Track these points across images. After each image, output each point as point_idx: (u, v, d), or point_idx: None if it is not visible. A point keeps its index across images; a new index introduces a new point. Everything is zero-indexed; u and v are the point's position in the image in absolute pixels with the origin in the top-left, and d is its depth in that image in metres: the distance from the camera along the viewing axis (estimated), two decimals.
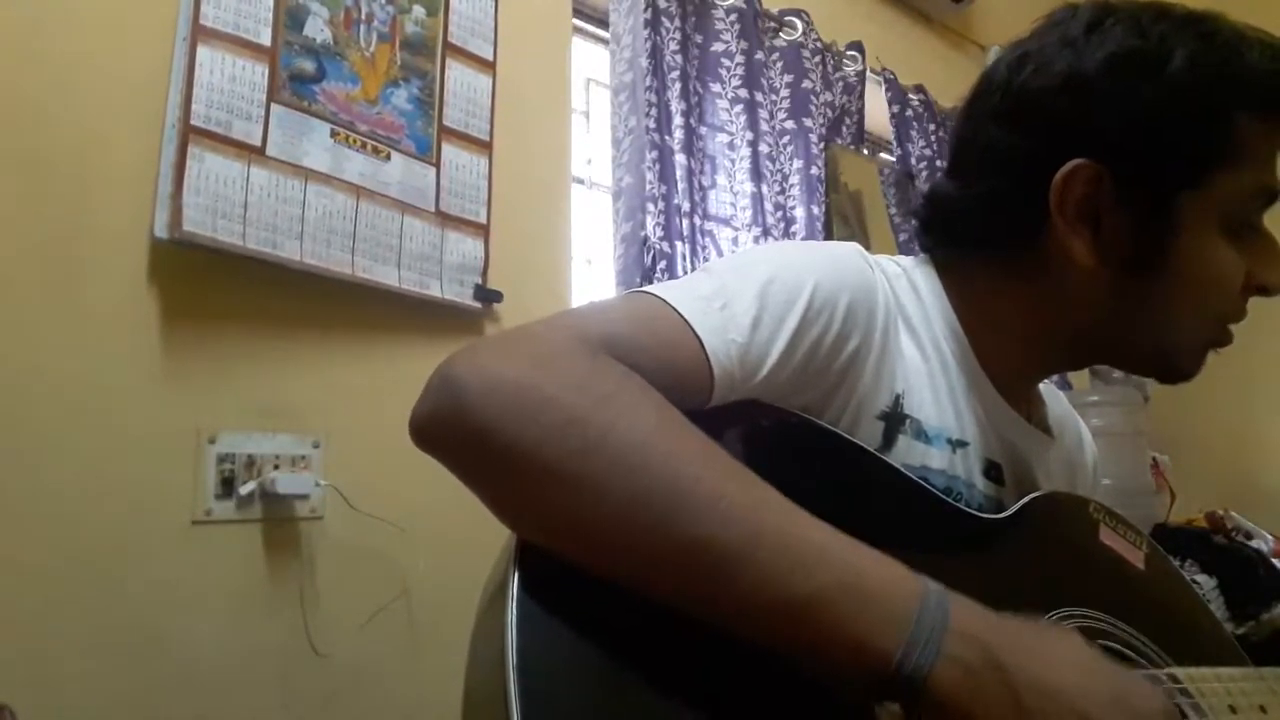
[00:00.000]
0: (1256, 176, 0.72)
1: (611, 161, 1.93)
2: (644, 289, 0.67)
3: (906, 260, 0.84)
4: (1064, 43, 0.72)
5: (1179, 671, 0.64)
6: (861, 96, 2.48)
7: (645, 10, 1.93)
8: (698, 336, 0.62)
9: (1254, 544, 2.21)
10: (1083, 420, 1.00)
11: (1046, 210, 0.72)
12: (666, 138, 1.92)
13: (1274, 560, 2.18)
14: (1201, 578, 2.05)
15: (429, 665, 1.48)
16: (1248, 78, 0.69)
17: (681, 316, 0.63)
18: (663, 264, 1.83)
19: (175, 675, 1.28)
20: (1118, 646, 0.69)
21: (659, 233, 1.85)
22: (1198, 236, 0.71)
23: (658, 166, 1.88)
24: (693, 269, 1.87)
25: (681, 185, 1.93)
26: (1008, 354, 0.79)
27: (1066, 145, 0.71)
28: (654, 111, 1.89)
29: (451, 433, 0.55)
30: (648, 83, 1.89)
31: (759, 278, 0.67)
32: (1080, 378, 2.71)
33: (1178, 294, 0.73)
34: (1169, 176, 0.70)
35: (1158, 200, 0.70)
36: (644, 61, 1.90)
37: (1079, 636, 0.56)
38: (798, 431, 0.67)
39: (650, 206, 1.85)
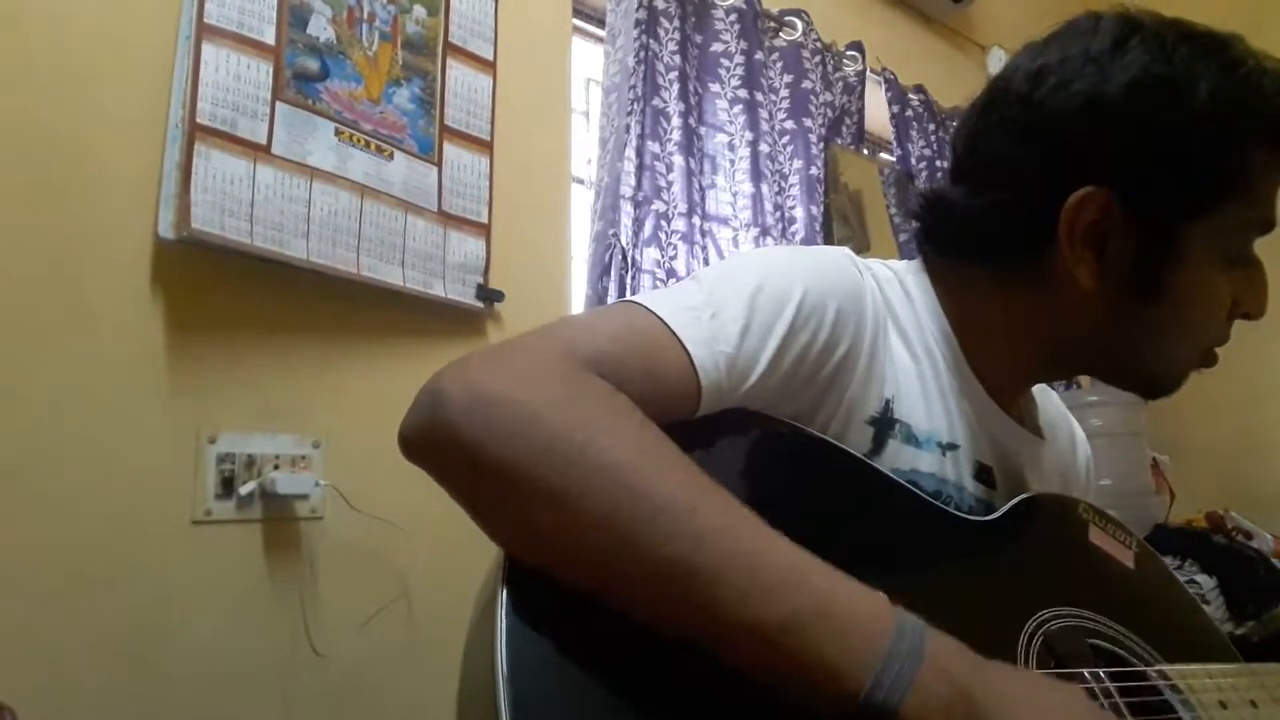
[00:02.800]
0: (1259, 208, 0.72)
1: (597, 160, 1.93)
2: (632, 299, 0.67)
3: (899, 264, 0.84)
4: (1086, 60, 0.71)
5: (1170, 668, 0.65)
6: (861, 96, 2.48)
7: (639, 10, 1.93)
8: (685, 348, 0.62)
9: (1254, 544, 2.21)
10: (1082, 420, 1.00)
11: (1051, 228, 0.72)
12: (658, 139, 1.92)
13: (1274, 560, 2.18)
14: (1201, 578, 2.06)
15: (429, 665, 1.48)
16: (1264, 112, 0.69)
17: (669, 327, 0.63)
18: (647, 265, 1.84)
19: (175, 675, 1.29)
20: (1108, 645, 0.69)
21: (645, 234, 1.85)
22: (1199, 265, 0.71)
23: (649, 167, 1.88)
24: (687, 270, 1.88)
25: (678, 186, 1.93)
26: (998, 360, 0.79)
27: (1080, 167, 0.70)
28: (636, 110, 1.89)
29: (437, 447, 0.56)
30: (632, 82, 1.89)
31: (748, 286, 0.67)
32: (1081, 377, 2.71)
33: (1173, 319, 0.73)
34: (1180, 206, 0.70)
35: (1165, 228, 0.71)
36: (631, 61, 1.90)
37: (1082, 692, 0.55)
38: (786, 440, 0.68)
39: (636, 208, 1.85)
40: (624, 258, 1.81)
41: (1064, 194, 0.71)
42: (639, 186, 1.87)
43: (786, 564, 0.53)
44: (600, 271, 1.80)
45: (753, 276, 0.68)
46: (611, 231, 1.82)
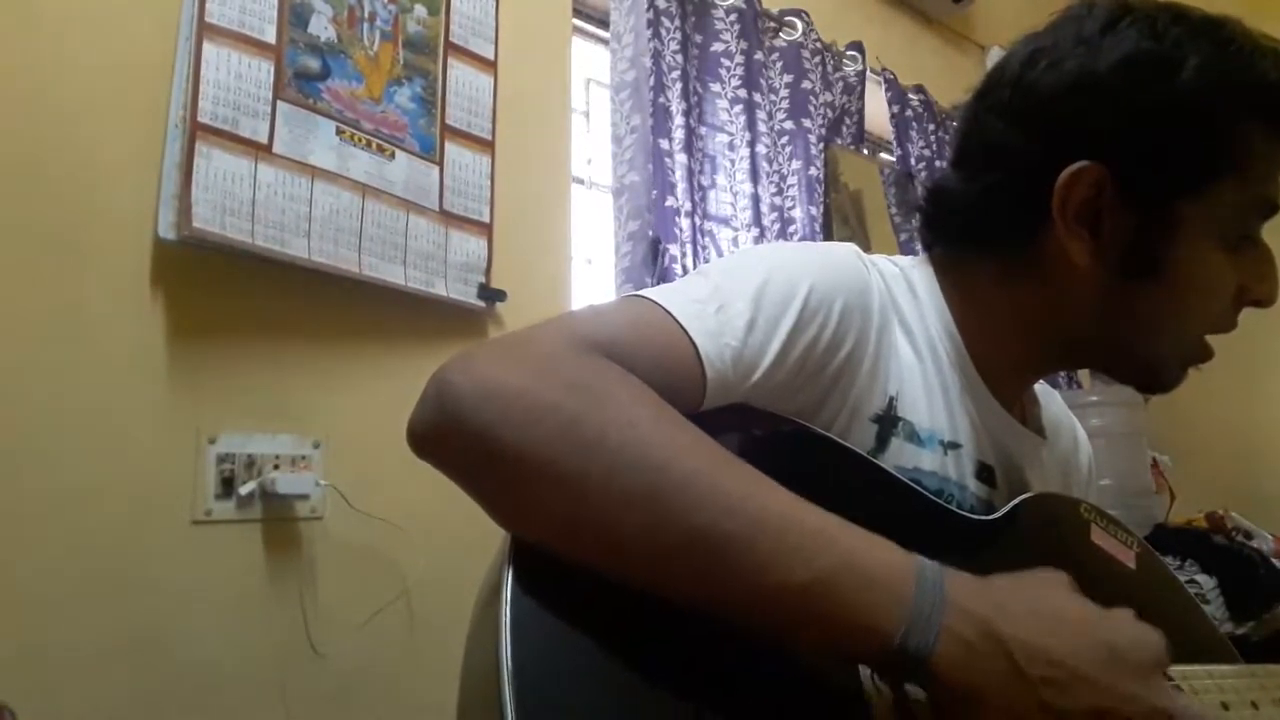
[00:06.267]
0: (1258, 188, 0.72)
1: (612, 159, 1.93)
2: (639, 293, 0.67)
3: (905, 260, 0.84)
4: (1078, 41, 0.72)
5: (1172, 669, 0.65)
6: (861, 96, 2.48)
7: (647, 10, 1.93)
8: (692, 340, 0.62)
9: (1254, 544, 2.21)
10: (1083, 420, 1.00)
11: (1047, 209, 0.72)
12: (666, 137, 1.93)
13: (1274, 560, 2.18)
14: (1201, 578, 2.05)
15: (429, 665, 1.48)
16: (1258, 88, 0.69)
17: (676, 320, 0.63)
18: (673, 263, 1.84)
19: (175, 675, 1.29)
20: None
21: (669, 232, 1.85)
22: (1196, 244, 0.71)
23: (666, 164, 1.89)
24: (695, 268, 1.88)
25: (681, 186, 1.93)
26: (1002, 354, 0.79)
27: (1073, 145, 0.71)
28: (655, 110, 1.90)
29: (449, 440, 0.56)
30: (651, 82, 1.90)
31: (754, 280, 0.67)
32: (1082, 377, 2.72)
33: (1171, 300, 0.73)
34: (1173, 182, 0.70)
35: (1159, 206, 0.71)
36: (647, 61, 1.91)
37: (1065, 586, 0.58)
38: (790, 437, 0.68)
39: (661, 205, 1.85)
40: (665, 255, 1.82)
41: (1057, 173, 0.71)
42: (654, 183, 1.87)
43: (812, 525, 0.54)
44: (648, 271, 1.81)
45: (760, 271, 0.68)
46: (652, 232, 1.82)
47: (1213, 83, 0.68)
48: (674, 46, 2.00)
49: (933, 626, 0.51)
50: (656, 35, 1.96)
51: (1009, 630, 0.52)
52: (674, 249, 1.86)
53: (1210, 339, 0.77)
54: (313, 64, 1.49)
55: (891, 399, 0.73)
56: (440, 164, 1.64)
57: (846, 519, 0.55)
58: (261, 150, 1.41)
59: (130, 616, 1.27)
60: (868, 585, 0.52)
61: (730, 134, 2.12)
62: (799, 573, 0.52)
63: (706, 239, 2.00)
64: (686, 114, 1.99)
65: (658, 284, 1.75)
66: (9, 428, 1.22)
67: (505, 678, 0.48)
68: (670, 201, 1.89)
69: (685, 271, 1.87)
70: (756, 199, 2.08)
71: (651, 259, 1.82)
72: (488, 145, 1.72)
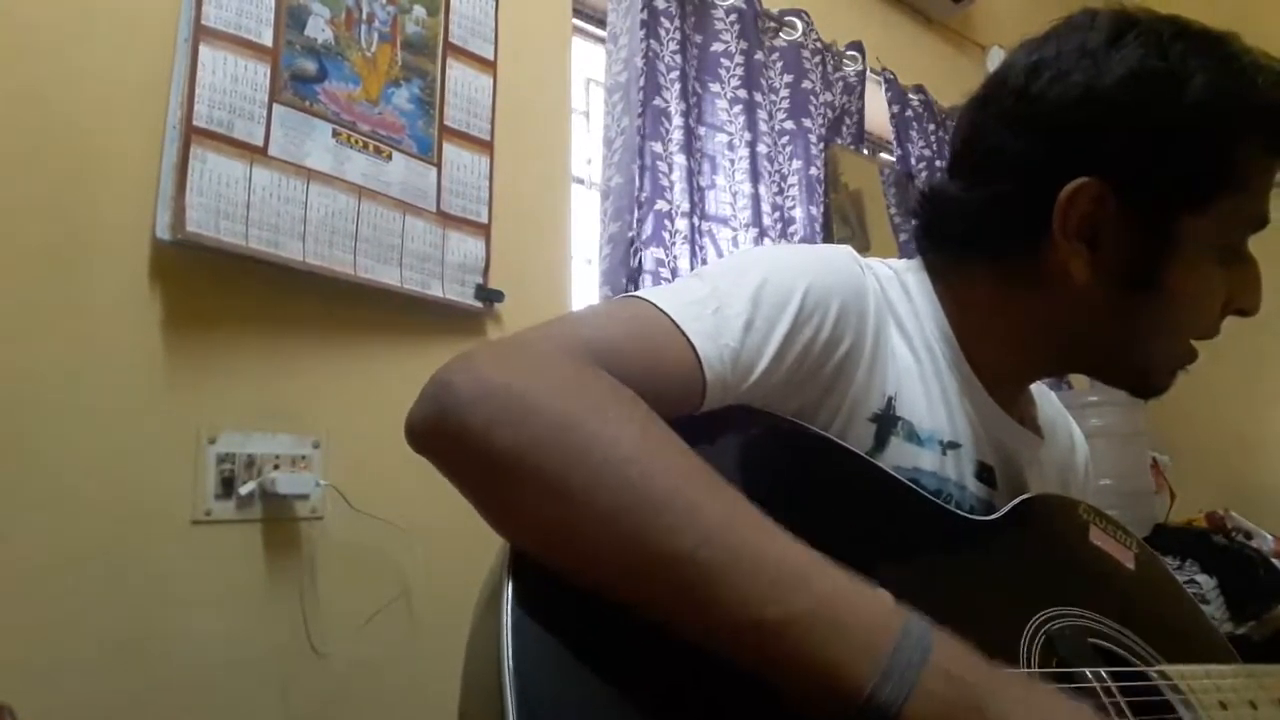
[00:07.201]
0: (1253, 203, 0.73)
1: (603, 161, 1.93)
2: (637, 294, 0.67)
3: (899, 263, 0.84)
4: (1083, 54, 0.72)
5: (1170, 669, 0.65)
6: (861, 96, 2.48)
7: (642, 10, 1.93)
8: (690, 342, 0.63)
9: (1254, 544, 2.21)
10: (1082, 420, 1.00)
11: (1047, 220, 0.72)
12: (660, 139, 1.92)
13: (1274, 560, 2.18)
14: (1201, 578, 2.06)
15: (429, 665, 1.48)
16: (1260, 106, 0.70)
17: (674, 322, 0.63)
18: (649, 265, 1.84)
19: (175, 675, 1.29)
20: (1109, 645, 0.69)
21: (646, 234, 1.85)
22: (1192, 259, 0.72)
23: (650, 167, 1.89)
24: (690, 269, 1.88)
25: (679, 186, 1.93)
26: (997, 358, 0.79)
27: (1075, 158, 0.71)
28: (646, 112, 1.90)
29: (444, 438, 0.56)
30: (641, 83, 1.90)
31: (751, 281, 0.67)
32: (1079, 377, 2.72)
33: (1166, 312, 0.74)
34: (1175, 198, 0.70)
35: (1159, 221, 0.71)
36: (639, 62, 1.90)
37: (1086, 704, 0.54)
38: (788, 437, 0.68)
39: (639, 208, 1.85)
40: (640, 258, 1.82)
41: (1059, 186, 0.71)
42: (641, 187, 1.87)
43: (791, 562, 0.52)
44: (624, 273, 1.80)
45: (757, 272, 0.69)
46: (630, 233, 1.82)
47: (1218, 99, 0.68)
48: (673, 47, 2.00)
49: (908, 682, 0.48)
50: (655, 35, 1.96)
51: (994, 703, 0.49)
52: (659, 252, 1.85)
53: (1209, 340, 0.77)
54: (309, 66, 1.49)
55: (890, 399, 0.73)
56: (438, 165, 1.64)
57: (843, 519, 0.55)
58: (257, 153, 1.41)
59: (130, 616, 1.27)
60: (842, 633, 0.50)
61: (730, 134, 2.12)
62: (771, 611, 0.50)
63: (705, 239, 2.00)
64: (685, 114, 1.99)
65: (630, 286, 1.76)
66: (9, 427, 1.22)
67: (507, 679, 0.48)
68: (661, 205, 1.88)
69: (673, 274, 1.87)
70: (757, 199, 2.08)
71: (628, 261, 1.82)
72: (486, 146, 1.72)
